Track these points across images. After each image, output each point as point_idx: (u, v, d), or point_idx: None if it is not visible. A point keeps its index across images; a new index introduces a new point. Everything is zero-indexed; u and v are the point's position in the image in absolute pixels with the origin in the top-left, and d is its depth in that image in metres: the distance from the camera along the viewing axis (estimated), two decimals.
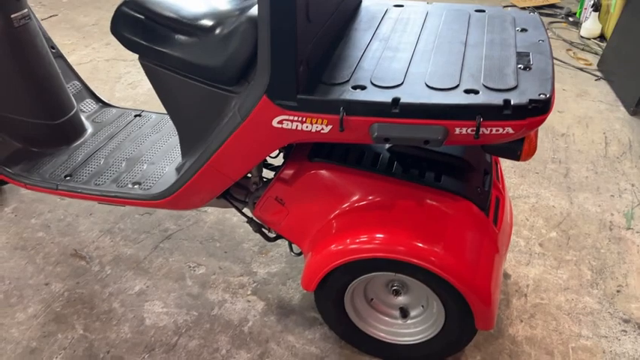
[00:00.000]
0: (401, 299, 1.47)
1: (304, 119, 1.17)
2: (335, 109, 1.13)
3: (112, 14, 1.45)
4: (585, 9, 3.68)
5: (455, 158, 1.42)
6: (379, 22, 1.47)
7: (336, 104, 1.13)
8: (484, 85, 1.14)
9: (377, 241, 1.29)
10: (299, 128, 1.19)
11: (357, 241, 1.31)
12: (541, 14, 3.92)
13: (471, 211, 1.36)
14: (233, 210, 2.00)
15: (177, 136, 1.83)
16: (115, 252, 1.87)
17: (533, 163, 2.39)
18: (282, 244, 1.91)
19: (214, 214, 2.03)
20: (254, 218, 1.65)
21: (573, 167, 2.36)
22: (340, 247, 1.32)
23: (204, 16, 1.39)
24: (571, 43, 3.50)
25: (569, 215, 2.09)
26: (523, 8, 4.04)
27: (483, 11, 1.52)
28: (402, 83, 1.16)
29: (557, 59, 3.32)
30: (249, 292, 1.74)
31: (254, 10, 1.31)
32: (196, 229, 1.98)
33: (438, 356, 1.45)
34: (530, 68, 1.20)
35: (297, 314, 1.67)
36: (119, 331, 1.60)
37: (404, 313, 1.48)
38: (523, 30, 1.40)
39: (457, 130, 1.10)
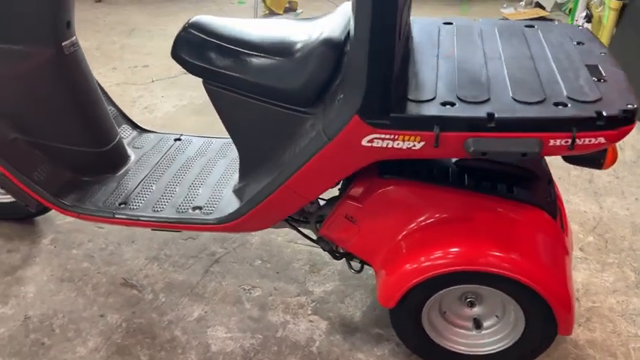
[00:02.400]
0: (475, 310, 1.49)
1: (396, 137, 1.19)
2: (429, 125, 1.16)
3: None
4: (576, 20, 3.83)
5: (521, 169, 1.46)
6: (437, 38, 1.51)
7: (431, 121, 1.15)
8: (569, 98, 1.18)
9: (463, 254, 1.31)
10: (389, 146, 1.20)
11: (442, 255, 1.33)
12: (495, 19, 4.04)
13: (545, 219, 1.39)
14: (278, 230, 2.00)
15: (225, 159, 1.85)
16: (165, 279, 1.83)
17: (556, 170, 2.46)
18: (333, 261, 1.92)
19: (259, 235, 2.02)
20: (316, 238, 1.66)
21: (595, 173, 2.44)
22: (424, 262, 1.34)
23: (278, 39, 1.41)
24: None
25: (602, 219, 2.15)
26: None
27: (533, 26, 1.58)
28: (489, 98, 1.19)
29: None
30: (309, 312, 1.73)
31: (330, 33, 1.33)
32: (244, 251, 1.96)
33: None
34: (604, 80, 1.25)
35: (361, 332, 1.67)
36: (186, 359, 1.57)
37: (477, 324, 1.50)
38: (579, 43, 1.46)
39: (551, 142, 1.14)
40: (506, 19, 4.17)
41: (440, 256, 1.33)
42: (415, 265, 1.35)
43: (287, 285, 1.82)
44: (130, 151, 1.88)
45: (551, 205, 1.43)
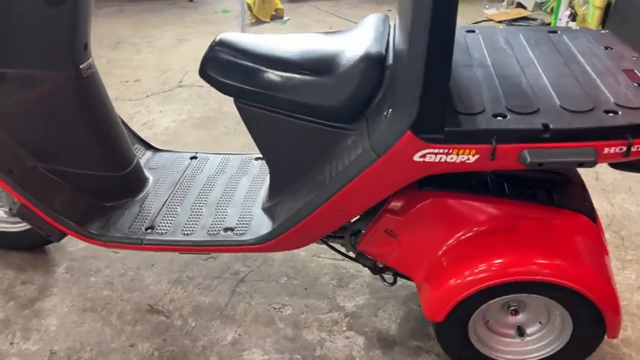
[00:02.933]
0: (518, 318, 1.49)
1: (450, 151, 1.18)
2: (484, 138, 1.15)
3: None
4: (560, 19, 3.91)
5: (558, 175, 1.46)
6: (465, 47, 1.50)
7: (487, 134, 1.15)
8: (617, 105, 1.19)
9: (512, 265, 1.31)
10: (442, 160, 1.19)
11: (490, 266, 1.32)
12: (516, 26, 4.12)
13: (586, 224, 1.40)
14: None
15: (247, 176, 1.81)
16: (192, 302, 1.78)
17: None
18: (360, 274, 1.90)
19: (280, 252, 1.99)
20: (346, 251, 1.64)
21: (600, 170, 2.48)
22: (473, 275, 1.33)
23: (312, 56, 1.38)
24: None
25: (615, 217, 2.19)
26: (500, 22, 4.23)
27: (556, 32, 1.59)
28: (539, 109, 1.19)
29: None
30: (344, 328, 1.70)
31: (369, 48, 1.31)
32: (268, 269, 1.92)
33: None
34: None
35: (400, 345, 1.65)
36: None
37: (520, 331, 1.50)
38: (607, 48, 1.48)
39: (606, 150, 1.14)
40: (491, 19, 4.23)
41: (488, 267, 1.32)
42: (464, 279, 1.34)
43: (317, 301, 1.79)
44: (146, 172, 1.82)
45: (589, 209, 1.44)
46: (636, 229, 2.11)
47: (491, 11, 4.38)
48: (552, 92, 1.25)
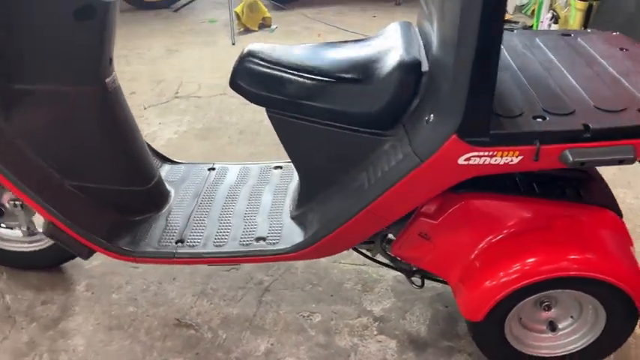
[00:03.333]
0: (550, 313, 1.53)
1: (494, 153, 1.21)
2: (528, 140, 1.19)
3: None
4: (542, 22, 4.02)
5: (580, 172, 1.51)
6: None
7: (531, 136, 1.18)
8: None
9: (550, 262, 1.34)
10: (486, 162, 1.22)
11: (529, 264, 1.35)
12: (530, 31, 4.21)
13: (614, 219, 1.45)
14: None
15: (269, 185, 1.81)
16: (219, 314, 1.77)
17: None
18: (383, 278, 1.92)
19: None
20: (373, 256, 1.66)
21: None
22: (513, 273, 1.36)
23: (346, 64, 1.40)
24: None
25: None
26: None
27: (570, 35, 1.65)
28: (575, 110, 1.24)
29: None
30: (375, 332, 1.72)
31: (404, 55, 1.33)
32: (291, 277, 1.92)
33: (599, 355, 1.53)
34: None
35: (432, 346, 1.68)
36: None
37: (552, 326, 1.54)
38: (623, 49, 1.54)
39: None
40: None
41: (525, 266, 1.35)
42: (502, 278, 1.36)
43: (345, 307, 1.81)
44: (167, 185, 1.81)
45: (614, 203, 1.49)
46: (638, 222, 2.19)
47: None
48: (583, 93, 1.30)
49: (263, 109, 1.51)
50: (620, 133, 1.18)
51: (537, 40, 1.61)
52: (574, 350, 1.51)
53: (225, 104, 3.07)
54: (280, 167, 1.91)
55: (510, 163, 1.22)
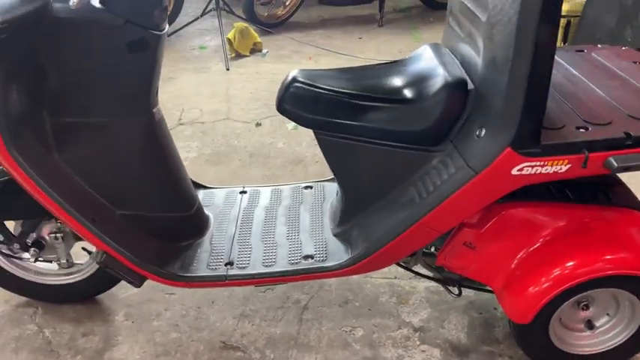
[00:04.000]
0: (588, 313, 1.61)
1: (545, 163, 1.29)
2: (575, 149, 1.28)
3: None
4: None
5: (607, 177, 1.62)
6: None
7: (578, 145, 1.28)
8: None
9: (595, 262, 1.43)
10: (538, 172, 1.31)
11: (575, 265, 1.43)
12: None
13: None
14: None
15: (303, 204, 1.86)
16: (263, 334, 1.79)
17: None
18: (415, 289, 1.97)
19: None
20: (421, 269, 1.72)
21: None
22: (558, 276, 1.44)
23: (394, 85, 1.47)
24: None
25: None
26: None
27: (583, 51, 1.77)
28: (612, 120, 1.34)
29: None
30: (417, 343, 1.77)
31: (451, 74, 1.41)
32: (326, 294, 1.96)
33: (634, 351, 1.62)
34: None
35: (473, 352, 1.74)
36: None
37: (590, 324, 1.62)
38: (636, 62, 1.66)
39: None
40: None
41: (570, 268, 1.44)
42: (549, 281, 1.44)
43: (384, 320, 1.85)
44: (205, 210, 1.84)
45: (639, 204, 1.60)
46: None
47: None
48: (614, 104, 1.41)
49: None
50: None
51: (555, 57, 1.72)
52: (615, 345, 1.60)
53: (230, 128, 3.10)
54: (310, 187, 1.96)
55: (559, 171, 1.31)
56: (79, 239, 1.74)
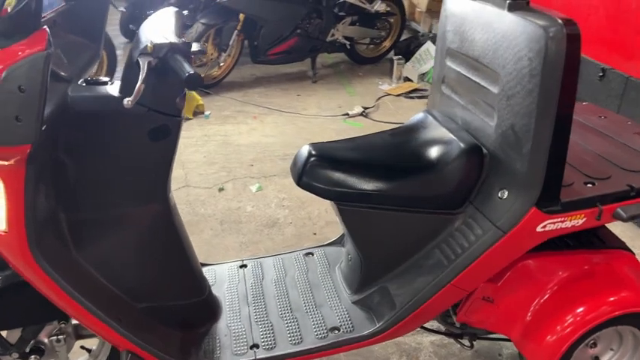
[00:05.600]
0: (595, 350, 1.73)
1: (565, 219, 1.41)
2: (590, 204, 1.41)
3: None
4: None
5: None
6: None
7: (592, 200, 1.40)
8: None
9: (609, 303, 1.55)
10: (559, 227, 1.42)
11: (590, 309, 1.54)
12: (412, 97, 4.68)
13: (630, 257, 1.71)
14: None
15: (310, 272, 1.85)
16: None
17: None
18: (420, 346, 2.01)
19: None
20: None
21: None
22: (577, 320, 1.54)
23: (412, 153, 1.54)
24: None
25: None
26: (398, 95, 4.75)
27: None
28: (611, 175, 1.49)
29: None
30: None
31: (464, 141, 1.50)
32: None
33: None
34: None
35: None
36: None
37: None
38: (601, 116, 1.86)
39: None
40: (389, 94, 4.74)
41: (586, 312, 1.54)
42: (568, 327, 1.53)
43: None
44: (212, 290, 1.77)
45: (624, 243, 1.76)
46: None
47: (385, 87, 4.91)
48: (606, 158, 1.57)
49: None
50: None
51: None
52: None
53: (192, 196, 3.02)
54: (311, 254, 1.96)
55: (576, 225, 1.43)
56: (80, 337, 1.61)
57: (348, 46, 5.16)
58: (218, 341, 1.58)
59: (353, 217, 1.57)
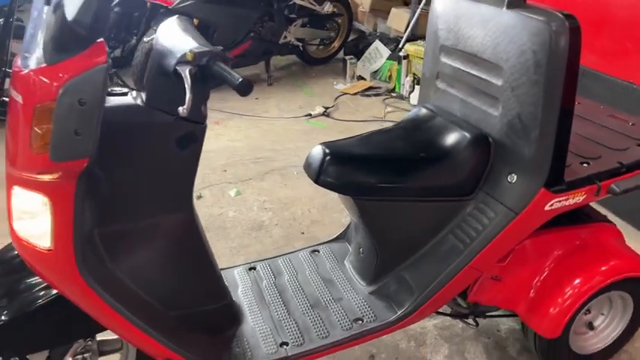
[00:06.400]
0: (589, 316, 1.88)
1: (569, 197, 1.54)
2: (589, 181, 1.55)
3: None
4: (403, 85, 4.70)
5: None
6: None
7: (591, 178, 1.54)
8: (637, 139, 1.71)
9: (604, 272, 1.70)
10: (563, 205, 1.55)
11: (590, 278, 1.69)
12: (369, 95, 4.81)
13: (613, 228, 1.88)
14: None
15: (320, 267, 1.89)
16: None
17: None
18: (424, 330, 2.10)
19: None
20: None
21: None
22: (578, 290, 1.68)
23: (424, 145, 1.62)
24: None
25: None
26: (354, 94, 4.86)
27: None
28: (601, 155, 1.64)
29: None
30: None
31: (471, 132, 1.60)
32: (352, 352, 1.99)
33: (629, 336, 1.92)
34: (633, 123, 1.83)
35: None
36: None
37: (591, 326, 1.89)
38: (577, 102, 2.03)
39: None
40: (346, 93, 4.85)
41: (585, 282, 1.69)
42: (571, 296, 1.68)
43: None
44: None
45: (604, 216, 1.93)
46: None
47: (340, 86, 5.01)
48: (591, 140, 1.72)
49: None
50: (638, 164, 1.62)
51: None
52: (613, 339, 1.88)
53: None
54: (317, 251, 2.00)
55: (578, 201, 1.57)
56: (102, 354, 1.58)
57: (301, 48, 5.23)
58: (247, 343, 1.60)
59: (371, 210, 1.64)
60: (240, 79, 1.16)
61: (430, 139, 1.66)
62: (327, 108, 4.38)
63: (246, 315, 1.71)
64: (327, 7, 5.26)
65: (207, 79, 1.24)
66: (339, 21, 5.57)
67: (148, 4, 4.86)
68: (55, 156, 1.07)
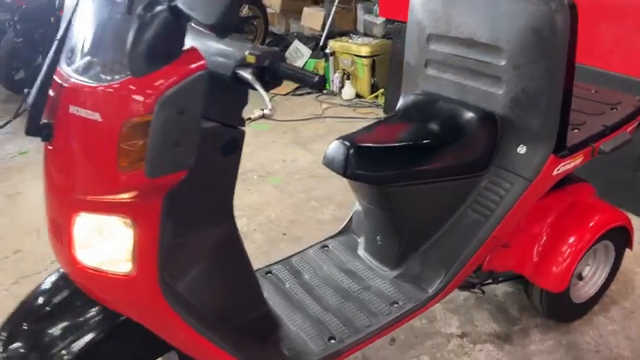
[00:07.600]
0: (578, 268, 2.08)
1: (571, 160, 1.70)
2: (585, 145, 1.72)
3: None
4: (333, 81, 4.80)
5: None
6: None
7: (587, 141, 1.72)
8: (608, 104, 1.92)
9: (594, 227, 1.89)
10: (566, 168, 1.70)
11: (584, 234, 1.87)
12: (301, 94, 4.85)
13: (589, 186, 2.09)
14: None
15: (336, 259, 1.92)
16: None
17: None
18: (438, 305, 2.20)
19: None
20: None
21: None
22: (576, 246, 1.86)
23: (437, 129, 1.71)
24: (349, 105, 4.54)
25: None
26: (286, 94, 4.90)
27: None
28: (586, 120, 1.82)
29: (349, 117, 4.28)
30: (471, 346, 2.01)
31: (478, 111, 1.71)
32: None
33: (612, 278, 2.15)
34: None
35: (510, 334, 2.06)
36: None
37: (580, 276, 2.10)
38: None
39: (629, 130, 1.85)
40: (278, 94, 4.85)
41: (580, 238, 1.87)
42: (572, 251, 1.86)
43: (434, 340, 2.04)
44: None
45: (581, 177, 2.14)
46: None
47: None
48: (572, 109, 1.90)
49: None
50: (619, 125, 1.82)
51: None
52: (602, 283, 2.10)
53: None
54: (327, 247, 2.02)
55: (576, 164, 1.73)
56: None
57: None
58: (295, 342, 1.59)
59: (395, 197, 1.69)
60: (316, 78, 1.17)
61: (439, 122, 1.75)
62: (264, 110, 4.36)
63: (281, 317, 1.70)
64: (245, 11, 5.23)
65: (265, 80, 1.22)
66: (256, 23, 5.56)
67: (52, 19, 4.55)
68: (152, 171, 1.00)
